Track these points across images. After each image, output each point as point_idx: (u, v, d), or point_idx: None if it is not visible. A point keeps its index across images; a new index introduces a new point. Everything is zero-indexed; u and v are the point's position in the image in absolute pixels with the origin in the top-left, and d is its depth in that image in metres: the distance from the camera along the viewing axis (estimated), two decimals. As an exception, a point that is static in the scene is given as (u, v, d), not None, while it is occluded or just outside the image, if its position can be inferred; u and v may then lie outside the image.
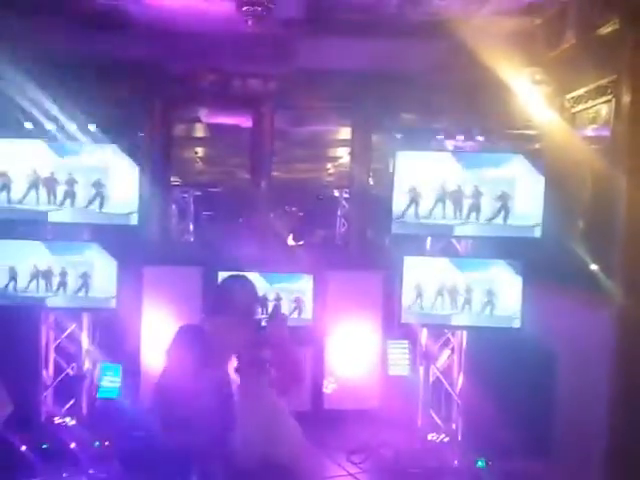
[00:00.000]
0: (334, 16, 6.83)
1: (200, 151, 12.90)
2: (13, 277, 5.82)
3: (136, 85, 7.89)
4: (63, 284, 5.83)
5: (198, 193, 12.44)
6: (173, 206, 10.73)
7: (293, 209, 14.58)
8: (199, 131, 11.35)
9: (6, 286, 5.81)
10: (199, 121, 10.55)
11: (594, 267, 5.83)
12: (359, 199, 8.58)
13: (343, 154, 12.56)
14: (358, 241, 8.44)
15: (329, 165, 14.57)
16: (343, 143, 11.23)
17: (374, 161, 8.55)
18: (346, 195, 12.68)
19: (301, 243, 13.46)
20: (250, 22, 6.21)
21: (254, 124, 8.52)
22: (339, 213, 12.56)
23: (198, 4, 6.47)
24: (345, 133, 10.31)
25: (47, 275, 5.83)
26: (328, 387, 7.05)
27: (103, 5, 6.55)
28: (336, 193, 14.08)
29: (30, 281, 5.82)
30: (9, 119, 7.20)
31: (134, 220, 5.86)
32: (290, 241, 13.24)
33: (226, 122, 10.36)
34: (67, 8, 6.49)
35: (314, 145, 12.27)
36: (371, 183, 8.98)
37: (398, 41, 7.21)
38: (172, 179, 10.52)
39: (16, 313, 5.86)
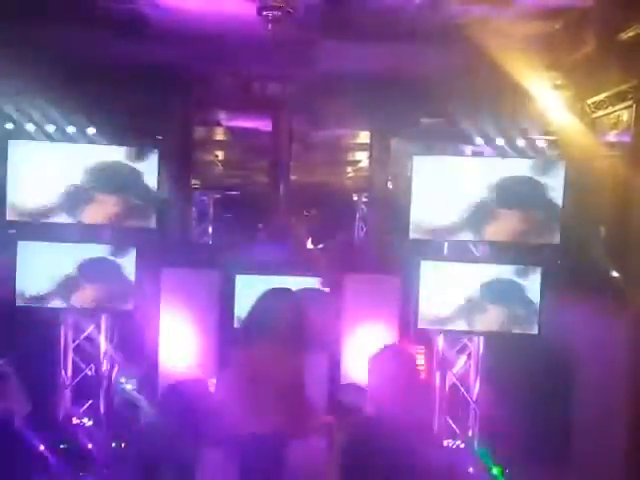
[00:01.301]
0: (353, 20, 6.84)
1: (220, 154, 12.97)
2: (36, 279, 5.88)
3: (156, 88, 7.94)
4: (82, 285, 5.88)
5: (218, 196, 12.52)
6: (193, 209, 10.77)
7: (313, 212, 14.59)
8: (219, 134, 11.41)
9: (29, 288, 5.86)
10: (219, 124, 10.61)
11: (614, 274, 5.78)
12: (377, 203, 8.58)
13: (363, 158, 12.55)
14: (376, 245, 8.44)
15: (349, 169, 14.57)
16: (362, 147, 11.23)
17: (393, 165, 8.54)
18: (365, 199, 12.66)
19: (320, 246, 13.44)
20: (270, 26, 6.23)
21: (273, 127, 8.56)
22: (358, 217, 12.56)
23: (217, 7, 6.51)
24: (364, 137, 10.30)
25: (67, 276, 5.88)
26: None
27: (122, 10, 6.62)
28: (355, 197, 14.07)
29: (51, 283, 5.88)
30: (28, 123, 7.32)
31: (153, 223, 5.89)
32: (309, 244, 13.23)
33: (246, 125, 10.41)
34: (86, 14, 6.56)
35: (333, 149, 12.28)
36: (390, 187, 8.98)
37: (417, 45, 7.20)
38: (192, 182, 10.59)
39: (36, 314, 5.91)
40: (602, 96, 6.05)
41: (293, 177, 10.60)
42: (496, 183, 5.84)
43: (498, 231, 5.86)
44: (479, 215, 5.86)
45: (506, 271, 5.91)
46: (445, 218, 5.88)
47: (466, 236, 5.95)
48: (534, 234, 5.84)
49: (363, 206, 13.07)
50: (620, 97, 5.78)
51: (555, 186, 5.80)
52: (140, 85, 7.86)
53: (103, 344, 6.16)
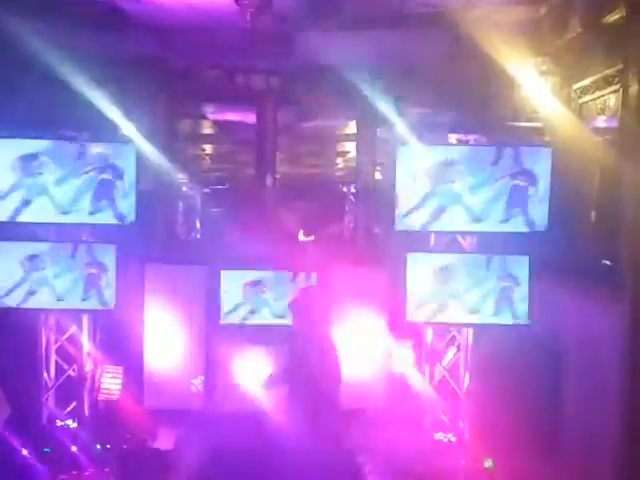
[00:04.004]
0: (336, 9, 6.73)
1: (208, 148, 12.85)
2: (16, 279, 5.78)
3: (139, 82, 7.82)
4: (62, 285, 5.77)
5: (206, 190, 12.40)
6: (180, 203, 10.65)
7: (303, 204, 14.51)
8: (206, 128, 11.29)
9: (10, 288, 5.77)
10: (205, 118, 10.49)
11: (603, 261, 5.70)
12: (365, 194, 8.46)
13: (352, 149, 12.44)
14: (364, 237, 8.33)
15: (338, 160, 14.46)
16: (351, 138, 11.11)
17: (380, 156, 8.43)
18: (353, 190, 12.58)
19: (311, 238, 13.36)
20: (249, 16, 6.12)
21: (258, 120, 8.44)
22: (347, 209, 12.47)
23: (198, 0, 6.40)
24: (352, 128, 10.19)
25: (46, 276, 5.78)
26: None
27: (103, 3, 6.51)
28: (344, 189, 13.99)
29: (31, 283, 5.78)
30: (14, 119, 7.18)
31: (132, 218, 5.79)
32: (301, 236, 13.15)
33: (232, 118, 10.30)
34: (67, 7, 6.45)
35: (321, 140, 12.16)
36: (378, 178, 8.87)
37: (402, 33, 7.11)
38: (179, 176, 10.47)
39: (15, 315, 5.81)
40: (588, 81, 5.96)
41: (281, 169, 10.49)
42: (482, 171, 5.75)
43: (484, 220, 5.78)
44: (465, 204, 5.78)
45: (494, 261, 5.83)
46: (430, 208, 5.79)
47: (453, 226, 5.86)
48: (521, 222, 5.75)
49: (352, 197, 12.99)
50: (606, 81, 5.69)
51: (542, 173, 5.71)
52: (122, 79, 7.73)
53: (86, 344, 6.06)
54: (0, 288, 5.80)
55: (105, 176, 5.81)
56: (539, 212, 5.72)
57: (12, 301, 5.79)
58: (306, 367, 4.77)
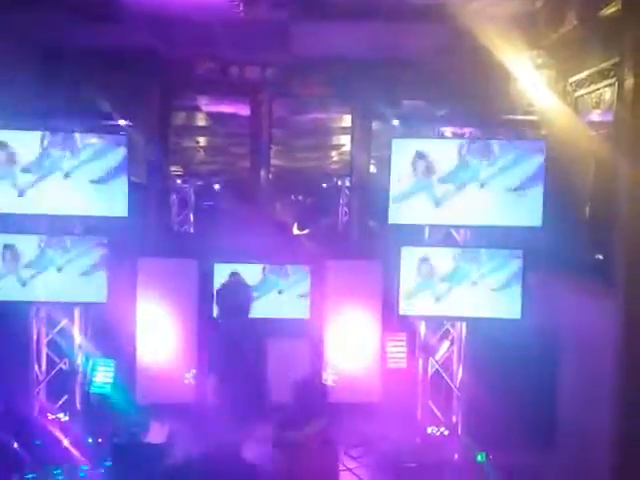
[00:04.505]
0: (332, 1, 6.68)
1: (201, 140, 12.78)
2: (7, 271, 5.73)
3: (133, 74, 7.77)
4: (53, 278, 5.72)
5: (199, 183, 12.33)
6: (173, 196, 10.59)
7: (299, 198, 14.45)
8: (200, 120, 11.22)
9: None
10: (199, 110, 10.44)
11: (598, 255, 5.68)
12: (359, 187, 8.44)
13: (346, 142, 12.39)
14: (359, 231, 8.31)
15: (333, 153, 14.41)
16: (346, 131, 11.06)
17: (375, 149, 8.40)
18: (348, 183, 12.55)
19: (306, 232, 13.33)
20: (241, 6, 6.07)
21: (252, 112, 8.40)
22: (341, 202, 12.43)
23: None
24: (347, 121, 10.15)
25: (38, 269, 5.73)
26: (327, 380, 6.93)
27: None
28: (339, 182, 13.95)
29: (23, 275, 5.73)
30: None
31: (125, 211, 5.74)
32: (295, 230, 13.12)
33: (226, 111, 10.24)
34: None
35: (316, 133, 12.12)
36: (373, 171, 8.84)
37: (397, 25, 7.04)
38: (173, 169, 10.41)
39: (5, 308, 5.76)
40: (584, 74, 5.92)
41: (276, 162, 10.44)
42: (478, 165, 5.72)
43: (478, 214, 5.75)
44: (460, 198, 5.75)
45: (488, 255, 5.81)
46: (425, 202, 5.77)
47: (447, 220, 5.84)
48: (516, 216, 5.73)
49: (347, 190, 12.96)
50: (602, 75, 5.65)
51: (537, 167, 5.69)
52: (115, 70, 7.68)
53: (77, 337, 6.02)
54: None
55: (97, 168, 5.76)
56: (533, 206, 5.70)
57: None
58: (241, 364, 4.63)
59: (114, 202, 5.76)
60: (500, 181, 5.72)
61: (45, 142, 5.75)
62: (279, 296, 6.78)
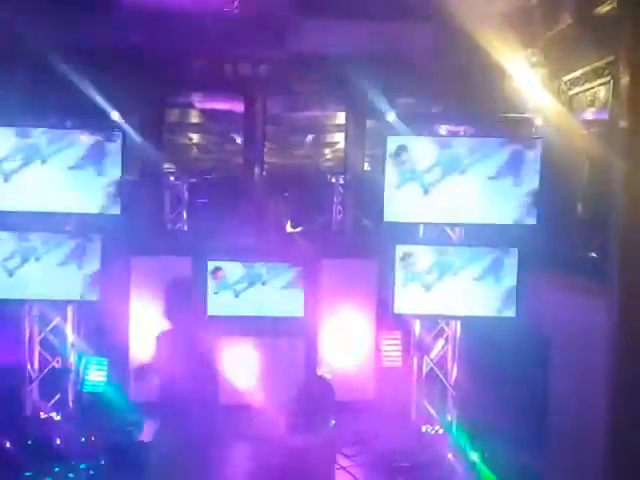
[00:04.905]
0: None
1: (195, 137, 12.72)
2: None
3: (125, 70, 7.72)
4: (44, 276, 5.69)
5: (193, 180, 12.27)
6: (166, 194, 10.54)
7: (292, 195, 14.43)
8: (193, 117, 11.18)
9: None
10: (193, 107, 10.40)
11: (591, 254, 5.69)
12: (353, 185, 8.43)
13: (340, 140, 12.36)
14: (352, 229, 8.30)
15: (327, 151, 14.37)
16: (340, 128, 11.04)
17: (370, 146, 8.38)
18: (342, 181, 12.54)
19: (299, 229, 13.31)
20: (236, 2, 6.05)
21: (246, 109, 8.37)
22: (335, 200, 12.41)
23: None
24: (341, 118, 10.13)
25: (28, 267, 5.69)
26: (326, 378, 6.91)
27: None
28: (333, 179, 13.94)
29: (12, 273, 5.69)
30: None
31: (118, 209, 5.71)
32: (288, 227, 13.09)
33: (220, 108, 10.21)
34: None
35: (310, 131, 12.09)
36: (367, 169, 8.82)
37: (392, 23, 7.04)
38: (166, 166, 10.36)
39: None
40: (578, 73, 5.93)
41: (270, 160, 10.39)
42: (472, 163, 5.71)
43: (473, 212, 5.74)
44: (455, 196, 5.74)
45: (482, 253, 5.81)
46: (420, 200, 5.76)
47: (441, 218, 5.83)
48: (511, 214, 5.73)
49: (341, 188, 12.95)
50: (597, 73, 5.66)
51: (531, 165, 5.68)
52: (108, 67, 7.62)
53: (70, 336, 5.98)
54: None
55: (90, 165, 5.73)
56: (528, 204, 5.69)
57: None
58: (184, 364, 4.58)
59: (108, 199, 5.72)
60: (494, 178, 5.71)
61: (37, 138, 5.69)
62: (263, 288, 6.71)
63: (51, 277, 5.73)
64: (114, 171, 5.73)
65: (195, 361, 4.64)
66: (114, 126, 6.33)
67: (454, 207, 5.78)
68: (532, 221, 5.71)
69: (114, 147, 5.74)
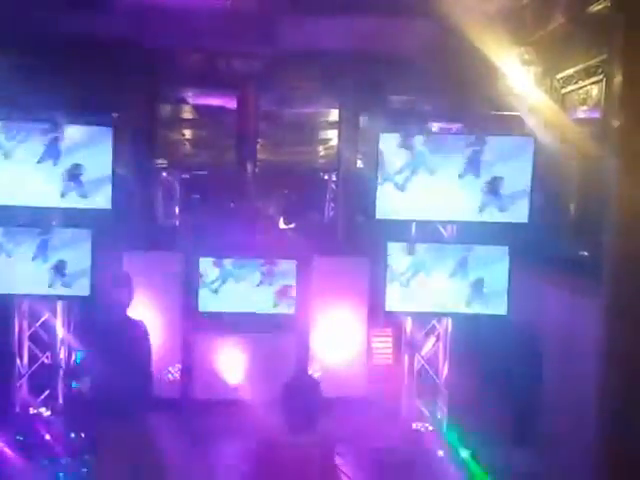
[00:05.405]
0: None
1: (188, 133, 12.70)
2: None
3: (118, 65, 7.69)
4: (36, 271, 5.66)
5: (185, 176, 12.24)
6: (159, 189, 10.53)
7: (285, 192, 14.43)
8: (186, 113, 11.14)
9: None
10: (185, 102, 10.36)
11: (583, 253, 5.70)
12: (346, 182, 8.42)
13: (333, 136, 12.35)
14: (345, 226, 8.29)
15: (320, 148, 14.36)
16: (333, 125, 11.03)
17: (363, 143, 8.37)
18: (334, 178, 12.54)
19: (292, 226, 13.30)
20: (229, -2, 6.03)
21: (238, 105, 8.35)
22: (328, 197, 12.41)
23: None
24: (335, 115, 10.11)
25: (20, 262, 5.66)
26: (313, 375, 6.91)
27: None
28: (326, 176, 13.94)
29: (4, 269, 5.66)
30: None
31: (108, 204, 5.68)
32: (281, 224, 13.09)
33: (213, 103, 10.18)
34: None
35: (303, 127, 12.07)
36: (360, 166, 8.81)
37: (385, 20, 7.03)
38: (159, 161, 10.32)
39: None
40: (571, 71, 5.94)
41: (262, 156, 10.37)
42: (464, 160, 5.70)
43: (467, 210, 5.74)
44: (448, 193, 5.74)
45: (474, 251, 5.80)
46: (412, 197, 5.75)
47: (434, 216, 5.82)
48: (502, 212, 5.72)
49: (334, 185, 12.95)
50: (589, 72, 5.67)
51: (523, 163, 5.68)
52: (101, 61, 7.59)
53: (60, 331, 5.95)
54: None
55: (81, 160, 5.69)
56: (520, 203, 5.69)
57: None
58: (113, 357, 4.43)
59: (99, 194, 5.69)
60: (487, 177, 5.70)
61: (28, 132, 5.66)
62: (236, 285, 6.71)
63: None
64: (106, 166, 5.68)
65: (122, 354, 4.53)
66: (105, 121, 6.26)
67: (430, 204, 5.76)
68: (524, 219, 5.69)
69: (106, 142, 5.68)
